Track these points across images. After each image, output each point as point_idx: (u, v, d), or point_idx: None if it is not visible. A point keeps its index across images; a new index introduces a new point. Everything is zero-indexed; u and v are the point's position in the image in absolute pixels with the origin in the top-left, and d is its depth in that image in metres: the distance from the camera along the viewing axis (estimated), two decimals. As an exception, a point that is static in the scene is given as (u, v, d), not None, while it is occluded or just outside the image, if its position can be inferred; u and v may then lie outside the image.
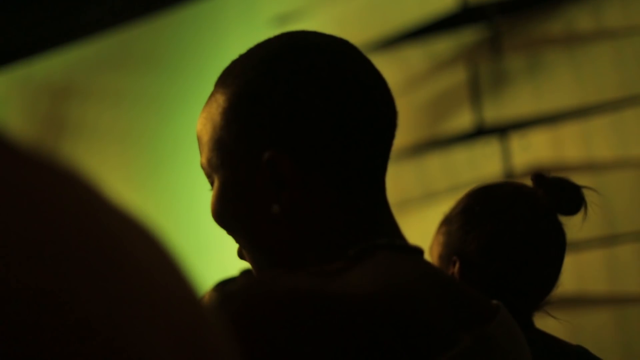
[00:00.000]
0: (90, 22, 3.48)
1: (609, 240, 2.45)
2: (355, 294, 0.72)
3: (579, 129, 2.53)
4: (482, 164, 2.62)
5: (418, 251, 0.88)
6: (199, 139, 0.92)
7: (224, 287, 1.42)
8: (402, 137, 3.03)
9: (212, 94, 0.91)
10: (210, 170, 0.90)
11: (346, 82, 0.86)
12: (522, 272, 1.28)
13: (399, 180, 2.79)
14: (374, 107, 0.88)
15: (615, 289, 2.46)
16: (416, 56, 2.81)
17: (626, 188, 2.46)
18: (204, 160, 0.90)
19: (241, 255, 0.93)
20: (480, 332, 0.79)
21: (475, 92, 2.69)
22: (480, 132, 2.66)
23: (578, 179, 1.34)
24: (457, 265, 1.28)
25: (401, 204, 2.76)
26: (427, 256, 1.38)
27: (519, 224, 1.28)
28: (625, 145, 2.49)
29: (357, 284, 0.74)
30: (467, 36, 2.74)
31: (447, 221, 1.34)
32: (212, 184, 0.91)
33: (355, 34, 2.91)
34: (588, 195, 1.30)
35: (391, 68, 2.84)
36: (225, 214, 0.88)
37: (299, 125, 0.84)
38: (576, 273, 2.47)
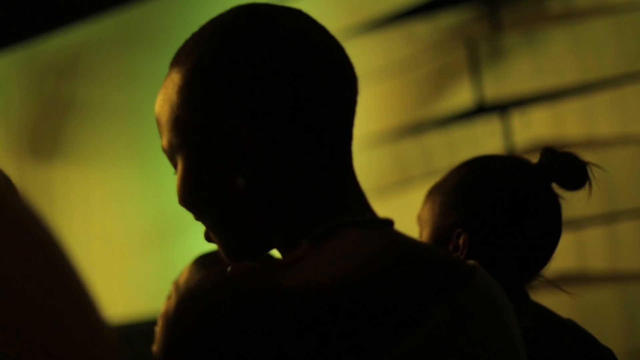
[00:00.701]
0: (96, 0, 3.48)
1: (610, 217, 2.44)
2: (315, 285, 0.70)
3: (579, 106, 2.52)
4: (483, 142, 2.61)
5: (387, 223, 0.86)
6: (157, 121, 0.89)
7: (202, 263, 1.42)
8: (402, 115, 3.03)
9: (168, 75, 0.89)
10: (172, 152, 0.87)
11: (302, 50, 0.84)
12: (525, 244, 1.29)
13: (400, 158, 2.79)
14: (332, 74, 0.85)
15: (616, 266, 2.46)
16: (415, 33, 2.79)
17: (627, 165, 2.46)
18: (165, 143, 0.88)
19: (208, 237, 0.91)
20: (455, 301, 0.78)
21: (475, 70, 2.68)
22: (480, 110, 2.65)
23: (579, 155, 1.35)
24: (462, 238, 1.27)
25: (402, 182, 2.75)
26: (415, 224, 1.38)
27: (524, 196, 1.28)
28: (626, 122, 2.48)
29: (318, 273, 0.72)
30: (467, 13, 2.72)
31: (443, 192, 1.33)
32: (175, 166, 0.89)
33: (354, 12, 2.89)
34: (590, 172, 1.31)
35: (391, 45, 2.83)
36: (191, 195, 0.86)
37: (256, 95, 0.82)
38: (578, 250, 2.47)
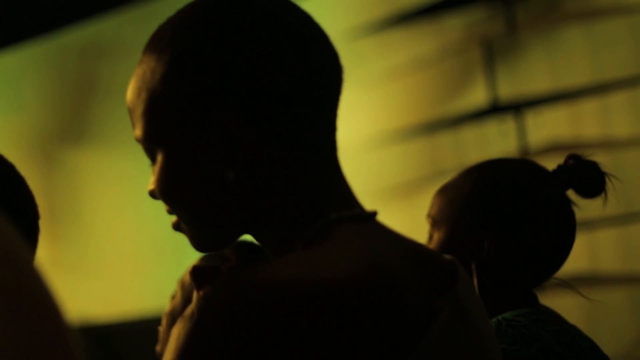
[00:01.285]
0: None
1: (624, 218, 2.43)
2: (337, 280, 0.68)
3: (594, 106, 2.51)
4: (497, 141, 2.60)
5: (374, 215, 0.84)
6: (131, 111, 0.85)
7: (207, 261, 1.40)
8: (416, 113, 3.01)
9: (143, 62, 0.84)
10: (151, 143, 0.83)
11: (293, 37, 0.81)
12: (545, 249, 1.30)
13: (414, 157, 2.78)
14: (322, 65, 0.82)
15: (629, 268, 2.45)
16: (430, 32, 2.78)
17: (642, 166, 2.44)
18: (142, 133, 0.84)
19: (178, 227, 0.87)
20: (453, 294, 0.78)
21: (490, 69, 2.67)
22: (495, 110, 2.64)
23: (594, 157, 1.34)
24: (488, 240, 1.27)
25: (414, 182, 2.74)
26: (423, 222, 1.38)
27: (547, 201, 1.30)
28: (642, 123, 2.47)
29: (336, 268, 0.70)
30: (482, 12, 2.71)
31: (461, 192, 1.32)
32: (153, 158, 0.85)
33: (368, 11, 2.88)
34: (608, 182, 1.32)
35: (405, 44, 2.82)
36: (173, 186, 0.82)
37: (249, 86, 0.79)
38: (590, 252, 2.46)
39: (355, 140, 2.81)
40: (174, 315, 1.40)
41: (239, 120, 0.79)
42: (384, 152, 2.81)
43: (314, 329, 0.66)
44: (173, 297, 1.43)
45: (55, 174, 3.82)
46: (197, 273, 0.83)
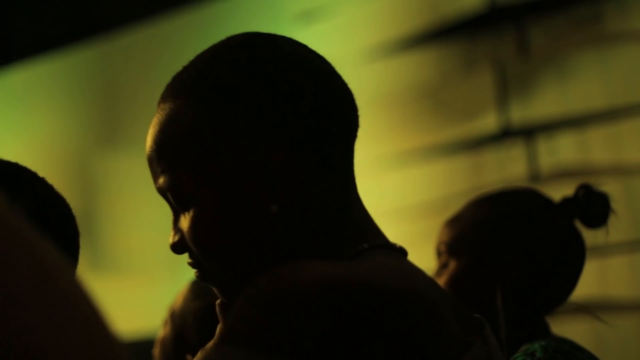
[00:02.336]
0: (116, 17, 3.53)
1: (635, 245, 2.41)
2: (391, 287, 0.69)
3: (606, 132, 2.50)
4: (508, 166, 2.59)
5: (405, 252, 0.85)
6: (156, 160, 0.81)
7: (197, 289, 1.39)
8: (427, 137, 3.00)
9: (166, 107, 0.81)
10: (184, 192, 0.79)
11: (316, 70, 0.82)
12: (562, 276, 1.32)
13: (425, 182, 2.77)
14: (344, 96, 0.84)
15: (640, 295, 2.43)
16: (442, 56, 2.78)
17: (654, 192, 2.43)
18: (170, 182, 0.80)
19: (204, 277, 0.82)
20: (484, 335, 0.78)
21: (502, 94, 2.67)
22: (506, 134, 2.64)
23: (605, 183, 1.35)
24: (513, 263, 1.29)
25: (426, 205, 2.74)
26: (429, 254, 1.38)
27: (565, 231, 1.32)
28: (654, 149, 2.46)
29: (388, 277, 0.71)
30: (494, 37, 2.71)
31: (478, 221, 1.33)
32: (184, 207, 0.80)
33: (381, 33, 2.89)
34: (614, 199, 1.33)
35: (417, 68, 2.82)
36: (213, 234, 0.79)
37: (289, 116, 0.79)
38: (601, 278, 2.44)
39: (368, 162, 2.81)
40: (164, 344, 1.39)
41: (284, 152, 0.79)
42: (394, 174, 2.80)
43: (364, 329, 0.66)
44: (165, 324, 1.42)
45: (90, 182, 3.80)
46: (224, 309, 0.82)
